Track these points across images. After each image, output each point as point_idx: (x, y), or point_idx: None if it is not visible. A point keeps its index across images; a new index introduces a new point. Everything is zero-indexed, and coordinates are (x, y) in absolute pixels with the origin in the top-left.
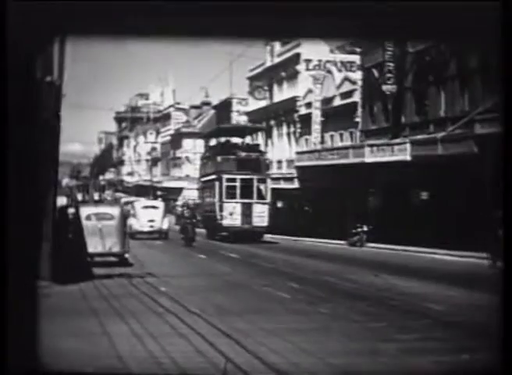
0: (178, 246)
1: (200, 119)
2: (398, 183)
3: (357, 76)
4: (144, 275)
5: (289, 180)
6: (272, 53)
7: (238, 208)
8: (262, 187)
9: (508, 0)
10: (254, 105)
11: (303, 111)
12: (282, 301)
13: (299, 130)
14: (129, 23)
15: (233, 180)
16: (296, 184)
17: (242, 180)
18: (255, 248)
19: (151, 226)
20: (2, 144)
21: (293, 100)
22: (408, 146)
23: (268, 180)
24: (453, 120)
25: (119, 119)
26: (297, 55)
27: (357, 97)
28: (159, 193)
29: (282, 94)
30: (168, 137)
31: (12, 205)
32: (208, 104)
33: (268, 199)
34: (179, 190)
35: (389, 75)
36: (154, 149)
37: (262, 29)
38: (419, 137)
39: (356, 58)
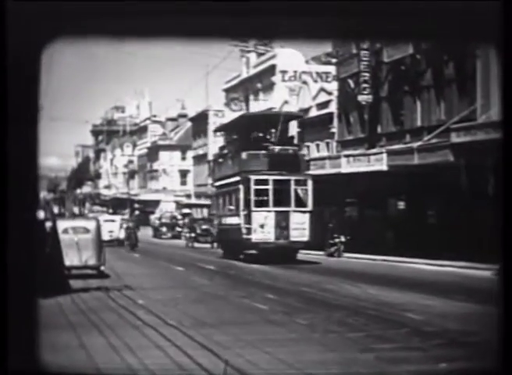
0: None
1: (177, 132)
2: (375, 193)
3: (333, 86)
4: (121, 288)
5: None
6: (248, 65)
7: (271, 219)
8: (301, 190)
9: (508, 0)
10: (231, 116)
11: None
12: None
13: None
14: (129, 23)
15: (264, 182)
16: None
17: (276, 181)
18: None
19: (111, 236)
20: (2, 147)
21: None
22: (384, 156)
23: (310, 182)
24: (429, 130)
25: (96, 133)
26: (273, 67)
27: (333, 107)
28: (136, 206)
29: (258, 105)
30: (145, 150)
31: (12, 212)
32: (184, 116)
33: (310, 206)
34: (157, 202)
35: (364, 85)
36: (130, 162)
37: (262, 29)
38: (395, 146)
39: (331, 69)
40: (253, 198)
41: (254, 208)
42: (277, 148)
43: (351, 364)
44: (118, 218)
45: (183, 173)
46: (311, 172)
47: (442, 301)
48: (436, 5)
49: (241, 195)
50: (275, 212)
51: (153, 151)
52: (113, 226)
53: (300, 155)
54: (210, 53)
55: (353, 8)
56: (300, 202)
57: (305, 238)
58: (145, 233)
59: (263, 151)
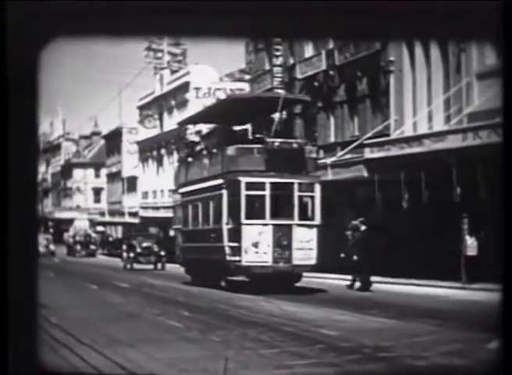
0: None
1: (90, 150)
2: None
3: None
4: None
5: None
6: (162, 81)
7: (268, 235)
8: (307, 197)
9: (508, 0)
10: (145, 134)
11: (193, 139)
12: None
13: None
14: (129, 22)
15: (259, 185)
16: None
17: (274, 185)
18: None
19: None
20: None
21: (184, 128)
22: None
23: (317, 187)
24: (342, 145)
25: None
26: (187, 84)
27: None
28: (50, 224)
29: (172, 122)
30: (59, 168)
31: (12, 213)
32: (97, 134)
33: (318, 219)
34: (70, 220)
35: None
36: (44, 180)
37: (261, 29)
38: None
39: (245, 86)
40: (243, 207)
41: (244, 221)
42: (277, 142)
43: None
44: None
45: (97, 191)
46: None
47: (355, 317)
48: (436, 5)
49: (225, 203)
50: (274, 225)
51: (66, 169)
52: None
53: (306, 151)
54: (123, 71)
55: (353, 8)
56: (306, 213)
57: (312, 261)
58: (60, 251)
59: (257, 146)
